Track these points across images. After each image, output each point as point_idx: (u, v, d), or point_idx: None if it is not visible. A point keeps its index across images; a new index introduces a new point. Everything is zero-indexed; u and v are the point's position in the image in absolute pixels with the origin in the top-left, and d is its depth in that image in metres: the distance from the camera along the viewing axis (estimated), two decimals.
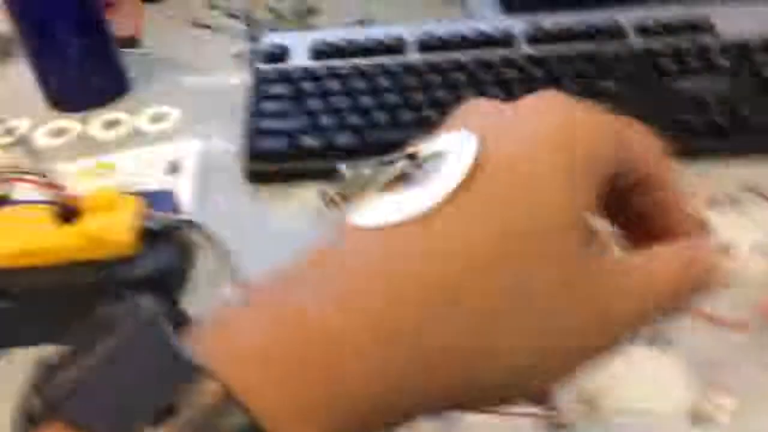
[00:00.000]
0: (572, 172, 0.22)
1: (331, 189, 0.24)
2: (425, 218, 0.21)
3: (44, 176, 0.41)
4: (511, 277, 0.20)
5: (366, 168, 0.24)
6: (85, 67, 0.61)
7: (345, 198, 0.23)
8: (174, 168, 0.54)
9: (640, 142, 0.24)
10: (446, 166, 0.22)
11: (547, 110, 0.23)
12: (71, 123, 0.60)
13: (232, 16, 0.76)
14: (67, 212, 0.41)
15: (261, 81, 0.58)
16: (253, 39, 0.69)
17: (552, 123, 0.23)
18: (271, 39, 0.63)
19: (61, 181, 0.41)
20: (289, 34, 0.65)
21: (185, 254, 0.44)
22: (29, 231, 0.41)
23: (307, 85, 0.56)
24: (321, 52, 0.60)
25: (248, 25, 0.72)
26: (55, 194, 0.41)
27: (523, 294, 0.21)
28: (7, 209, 0.42)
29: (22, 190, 0.43)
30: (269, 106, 0.55)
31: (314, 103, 0.54)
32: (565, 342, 0.21)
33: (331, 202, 0.23)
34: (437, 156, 0.23)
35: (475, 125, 0.23)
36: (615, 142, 0.23)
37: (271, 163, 0.52)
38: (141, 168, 0.54)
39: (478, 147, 0.22)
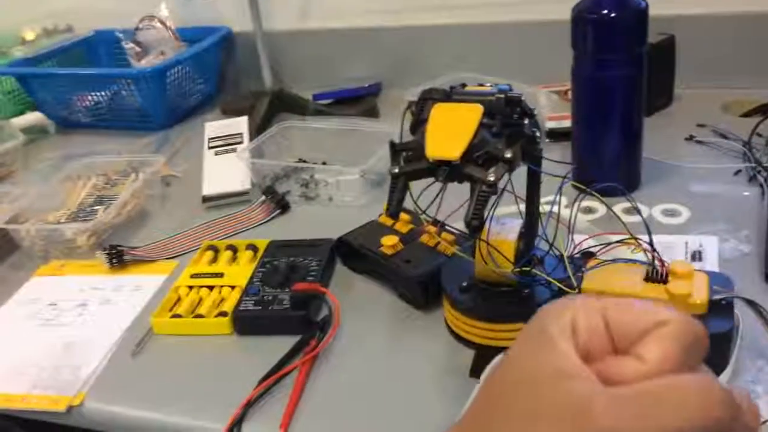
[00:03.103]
0: None
1: None
2: None
3: (643, 243, 0.55)
4: None
5: None
6: (620, 156, 0.77)
7: None
8: (696, 256, 0.66)
9: None
10: None
11: None
12: (599, 205, 0.75)
13: (722, 136, 0.87)
14: (656, 274, 0.54)
15: None
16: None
17: None
18: None
19: (657, 248, 0.55)
20: None
21: (737, 324, 0.54)
22: (623, 281, 0.55)
23: None
24: None
25: (745, 146, 0.83)
26: (650, 258, 0.55)
27: None
28: (611, 265, 0.57)
29: (624, 252, 0.59)
30: None
31: None
32: None
33: None
34: None
35: None
36: None
37: None
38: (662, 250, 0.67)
39: None
